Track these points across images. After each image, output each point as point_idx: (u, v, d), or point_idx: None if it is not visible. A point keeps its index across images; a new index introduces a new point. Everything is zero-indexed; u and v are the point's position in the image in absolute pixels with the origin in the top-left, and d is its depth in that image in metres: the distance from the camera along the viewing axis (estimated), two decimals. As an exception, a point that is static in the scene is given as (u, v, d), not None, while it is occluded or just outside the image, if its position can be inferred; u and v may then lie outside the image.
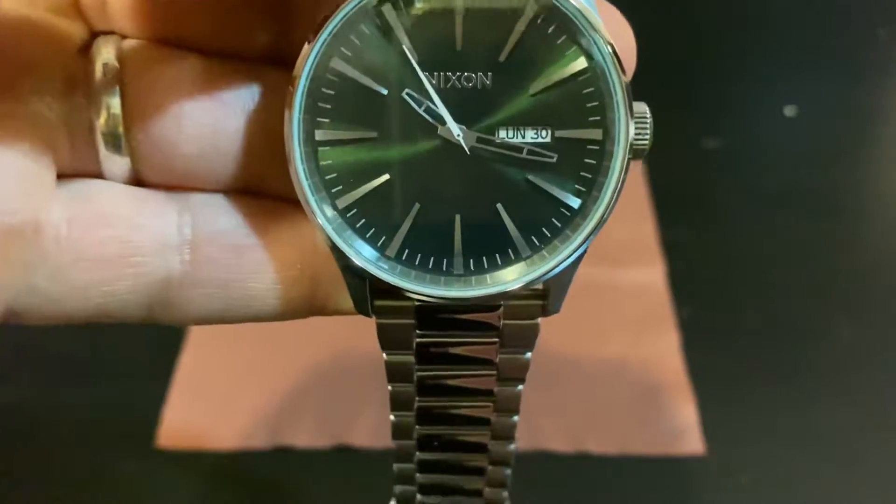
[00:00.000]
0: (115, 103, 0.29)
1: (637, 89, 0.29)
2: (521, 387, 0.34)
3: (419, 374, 0.33)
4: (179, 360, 0.71)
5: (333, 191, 0.30)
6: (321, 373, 0.71)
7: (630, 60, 0.30)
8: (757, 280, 0.78)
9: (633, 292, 0.76)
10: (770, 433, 0.66)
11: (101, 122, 0.29)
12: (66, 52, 0.29)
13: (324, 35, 0.28)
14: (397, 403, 0.34)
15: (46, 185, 0.29)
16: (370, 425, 0.66)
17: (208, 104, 0.30)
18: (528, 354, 0.33)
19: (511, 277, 0.30)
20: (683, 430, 0.66)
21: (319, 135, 0.29)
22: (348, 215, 0.30)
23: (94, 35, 0.30)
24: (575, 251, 0.30)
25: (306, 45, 0.28)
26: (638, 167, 0.85)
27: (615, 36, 0.29)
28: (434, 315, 0.31)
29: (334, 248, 0.30)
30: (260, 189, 0.32)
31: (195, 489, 0.64)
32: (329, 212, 0.30)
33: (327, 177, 0.30)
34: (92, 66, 0.29)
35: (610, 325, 0.74)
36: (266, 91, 0.30)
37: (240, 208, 0.31)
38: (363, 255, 0.30)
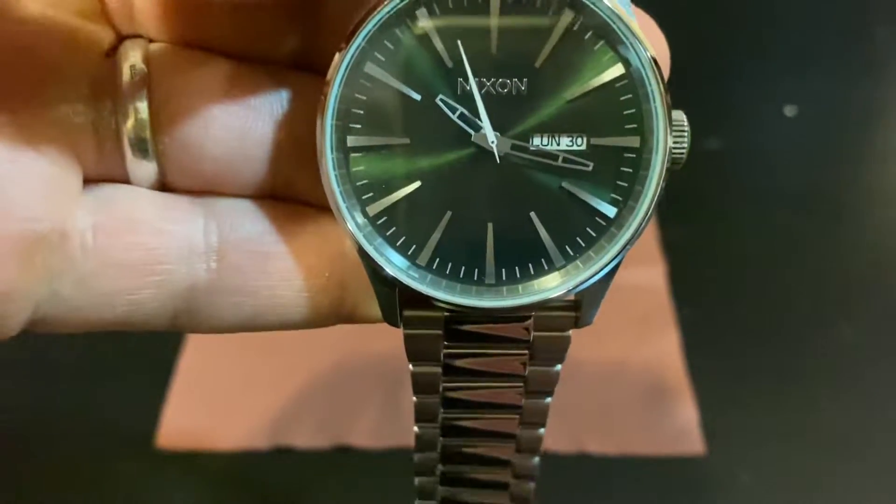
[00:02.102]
0: (142, 107, 0.29)
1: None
2: (549, 399, 0.33)
3: (445, 385, 0.33)
4: (179, 360, 0.71)
5: (364, 197, 0.29)
6: (321, 373, 0.71)
7: (664, 71, 0.29)
8: (757, 280, 0.78)
9: (633, 292, 0.76)
10: (770, 433, 0.66)
11: (128, 126, 0.29)
12: (93, 56, 0.29)
13: (358, 40, 0.27)
14: (422, 415, 0.34)
15: (73, 192, 0.29)
16: (370, 426, 0.66)
17: (236, 108, 0.29)
18: (559, 367, 0.32)
19: (544, 288, 0.30)
20: (683, 430, 0.66)
21: (351, 141, 0.29)
22: (379, 223, 0.30)
23: (121, 39, 0.30)
24: (610, 262, 0.30)
25: (339, 51, 0.28)
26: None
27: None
28: (462, 327, 0.31)
29: (364, 256, 0.29)
30: (287, 194, 0.31)
31: (195, 490, 0.64)
32: (360, 219, 0.29)
33: (358, 183, 0.29)
34: (119, 69, 0.29)
35: (610, 325, 0.74)
36: (295, 96, 0.30)
37: (267, 214, 0.31)
38: (393, 263, 0.30)
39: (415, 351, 0.32)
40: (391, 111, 0.29)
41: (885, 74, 1.03)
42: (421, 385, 0.33)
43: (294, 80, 0.30)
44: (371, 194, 0.29)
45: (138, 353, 0.72)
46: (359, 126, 0.29)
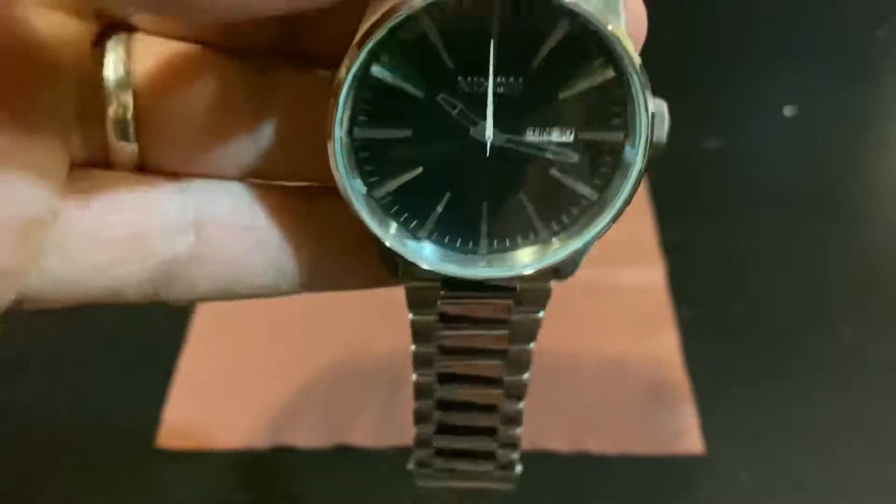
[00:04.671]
0: (125, 95, 0.30)
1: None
2: (532, 345, 0.36)
3: (440, 333, 0.36)
4: (179, 360, 0.71)
5: (370, 181, 0.32)
6: (322, 372, 0.71)
7: (640, 31, 0.31)
8: (757, 280, 0.78)
9: (633, 292, 0.76)
10: (770, 433, 0.66)
11: (110, 112, 0.31)
12: (81, 46, 0.30)
13: (369, 45, 0.29)
14: (421, 363, 0.37)
15: (62, 175, 0.30)
16: (370, 425, 0.66)
17: (217, 96, 0.31)
18: (541, 314, 0.35)
19: (528, 260, 0.33)
20: (683, 430, 0.66)
21: (357, 133, 0.31)
22: (383, 203, 0.32)
23: (106, 29, 0.31)
24: (592, 238, 0.32)
25: (350, 53, 0.29)
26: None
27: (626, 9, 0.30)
28: (458, 279, 0.34)
29: (370, 234, 0.32)
30: (268, 176, 0.33)
31: (195, 489, 0.64)
32: (365, 201, 0.32)
33: (364, 167, 0.32)
34: (103, 58, 0.30)
35: (610, 325, 0.74)
36: (281, 84, 0.32)
37: (246, 192, 0.33)
38: (395, 236, 0.32)
39: (415, 300, 0.35)
40: (395, 107, 0.31)
41: (885, 74, 1.03)
42: (419, 333, 0.36)
43: (279, 69, 0.32)
44: (376, 178, 0.32)
45: (138, 353, 0.72)
46: (364, 119, 0.31)
